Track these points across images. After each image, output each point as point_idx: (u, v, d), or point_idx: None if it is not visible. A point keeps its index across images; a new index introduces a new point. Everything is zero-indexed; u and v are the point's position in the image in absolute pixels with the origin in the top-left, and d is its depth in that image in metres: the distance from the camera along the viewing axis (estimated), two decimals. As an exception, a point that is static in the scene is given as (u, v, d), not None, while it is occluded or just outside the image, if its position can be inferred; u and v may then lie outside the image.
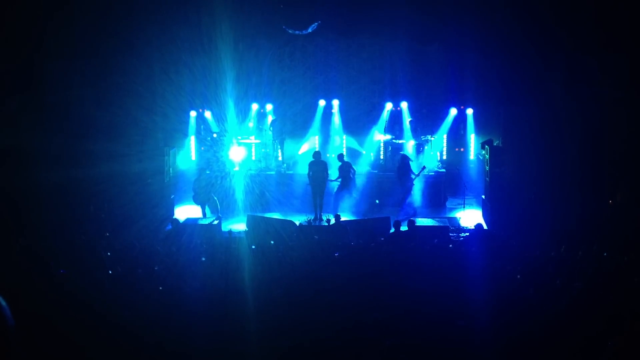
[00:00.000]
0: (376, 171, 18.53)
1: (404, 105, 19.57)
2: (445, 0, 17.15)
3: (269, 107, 19.98)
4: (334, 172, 16.91)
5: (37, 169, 13.73)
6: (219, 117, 19.30)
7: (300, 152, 19.58)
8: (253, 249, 11.61)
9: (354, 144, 19.79)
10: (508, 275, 10.12)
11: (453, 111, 19.23)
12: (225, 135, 18.86)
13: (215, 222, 14.80)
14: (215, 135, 19.22)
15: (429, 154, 18.39)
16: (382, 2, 17.55)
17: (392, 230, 13.86)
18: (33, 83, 14.56)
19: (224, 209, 16.06)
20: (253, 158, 19.06)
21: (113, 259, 11.15)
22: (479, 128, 19.22)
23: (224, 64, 18.22)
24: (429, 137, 18.63)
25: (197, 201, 16.22)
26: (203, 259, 11.44)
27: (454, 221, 15.79)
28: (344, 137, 19.87)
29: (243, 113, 19.58)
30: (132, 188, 14.96)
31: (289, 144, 19.52)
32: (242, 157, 18.63)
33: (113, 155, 14.56)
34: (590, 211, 13.66)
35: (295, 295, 8.98)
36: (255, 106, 19.85)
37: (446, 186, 17.58)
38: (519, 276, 9.93)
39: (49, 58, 14.85)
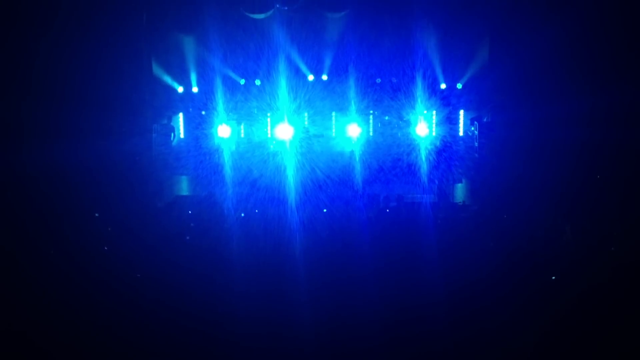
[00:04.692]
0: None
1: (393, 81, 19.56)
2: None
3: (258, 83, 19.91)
4: None
5: (21, 144, 13.53)
6: (208, 94, 19.22)
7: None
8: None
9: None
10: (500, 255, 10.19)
11: (442, 86, 19.25)
12: (213, 113, 18.79)
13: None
14: (203, 112, 19.14)
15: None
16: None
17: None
18: (17, 55, 14.28)
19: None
20: (242, 135, 19.07)
21: (104, 237, 11.16)
22: (468, 104, 19.24)
23: (212, 41, 18.12)
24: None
25: None
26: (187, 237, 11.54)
27: (443, 197, 15.83)
28: (333, 114, 19.90)
29: (231, 90, 19.50)
30: (121, 164, 14.89)
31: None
32: (229, 134, 18.72)
33: (102, 130, 14.41)
34: (579, 186, 13.72)
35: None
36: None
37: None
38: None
39: (36, 32, 14.61)
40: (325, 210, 14.14)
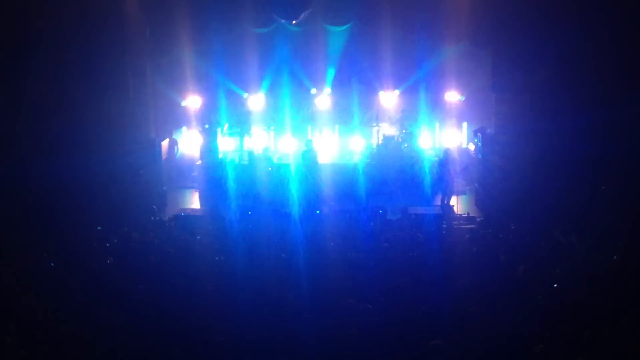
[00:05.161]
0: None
1: (396, 93, 19.65)
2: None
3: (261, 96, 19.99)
4: None
5: (27, 158, 13.55)
6: (211, 108, 19.29)
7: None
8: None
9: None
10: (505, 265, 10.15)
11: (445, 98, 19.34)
12: (217, 126, 18.82)
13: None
14: (206, 126, 19.16)
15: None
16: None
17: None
18: (20, 73, 14.37)
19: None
20: (245, 149, 19.09)
21: (108, 250, 11.15)
22: (472, 115, 19.26)
23: (215, 54, 18.22)
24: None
25: None
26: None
27: (447, 209, 15.78)
28: (336, 127, 19.99)
29: (234, 103, 19.57)
30: (125, 178, 14.90)
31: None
32: (233, 147, 18.86)
33: (106, 145, 14.44)
34: (583, 198, 13.69)
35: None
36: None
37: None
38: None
39: (37, 48, 14.69)
40: (318, 212, 14.16)
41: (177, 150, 19.58)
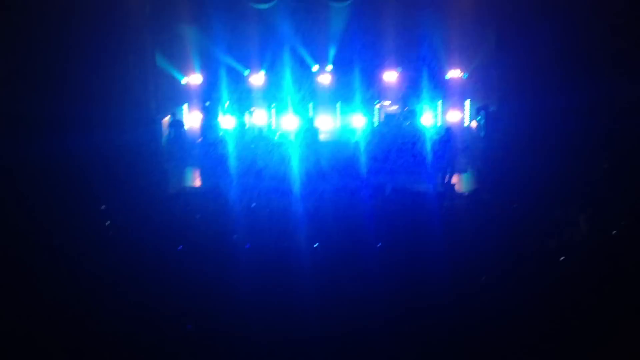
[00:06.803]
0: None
1: (398, 70, 19.55)
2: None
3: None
4: None
5: (26, 137, 13.52)
6: (211, 85, 19.20)
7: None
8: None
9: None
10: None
11: (448, 76, 19.23)
12: (217, 104, 18.76)
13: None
14: (207, 103, 19.11)
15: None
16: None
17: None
18: (20, 51, 14.28)
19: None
20: (247, 126, 19.03)
21: (111, 227, 11.15)
22: (474, 93, 19.16)
23: (215, 31, 18.10)
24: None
25: None
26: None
27: (449, 187, 15.76)
28: (338, 104, 19.90)
29: (235, 80, 19.47)
30: (126, 156, 14.86)
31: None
32: (233, 125, 18.79)
33: (107, 122, 14.40)
34: (586, 176, 13.67)
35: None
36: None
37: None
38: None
39: (36, 26, 14.60)
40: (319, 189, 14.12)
41: (184, 131, 19.42)
